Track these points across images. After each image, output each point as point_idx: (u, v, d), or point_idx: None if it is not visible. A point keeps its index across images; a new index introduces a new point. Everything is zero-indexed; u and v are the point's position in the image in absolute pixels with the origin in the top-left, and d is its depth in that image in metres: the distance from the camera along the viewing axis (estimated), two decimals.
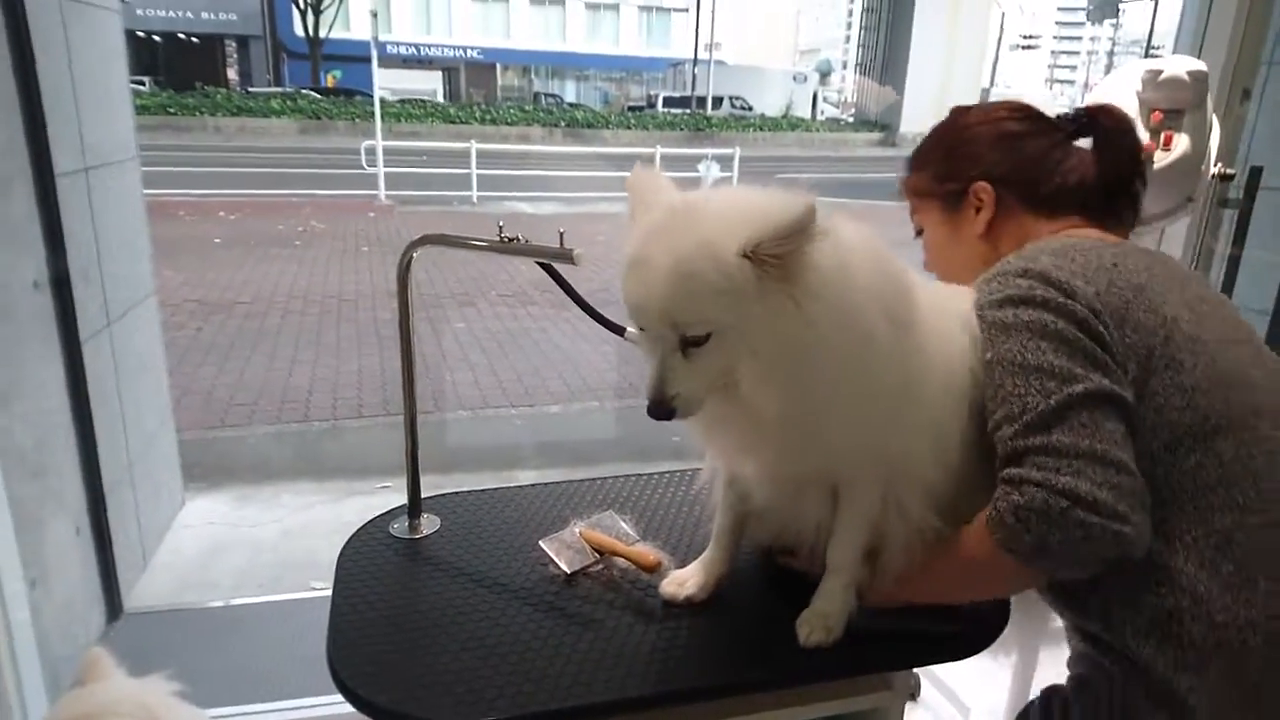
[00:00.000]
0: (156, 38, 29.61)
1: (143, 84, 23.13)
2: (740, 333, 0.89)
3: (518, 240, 1.11)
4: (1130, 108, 1.53)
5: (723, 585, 1.17)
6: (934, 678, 2.30)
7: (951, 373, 1.04)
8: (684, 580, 1.16)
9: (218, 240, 8.61)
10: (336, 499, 3.50)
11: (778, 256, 0.85)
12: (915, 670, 2.40)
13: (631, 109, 29.13)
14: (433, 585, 1.18)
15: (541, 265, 1.13)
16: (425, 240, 1.17)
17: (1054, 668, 1.21)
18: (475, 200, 11.75)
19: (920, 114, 23.48)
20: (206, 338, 5.56)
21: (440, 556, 1.25)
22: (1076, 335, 0.96)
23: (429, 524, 1.32)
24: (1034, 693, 2.13)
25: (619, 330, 1.23)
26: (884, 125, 24.63)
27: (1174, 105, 1.50)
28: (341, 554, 1.25)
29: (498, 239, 1.11)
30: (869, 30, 25.16)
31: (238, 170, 13.81)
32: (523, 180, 13.35)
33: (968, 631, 1.13)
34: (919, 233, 1.31)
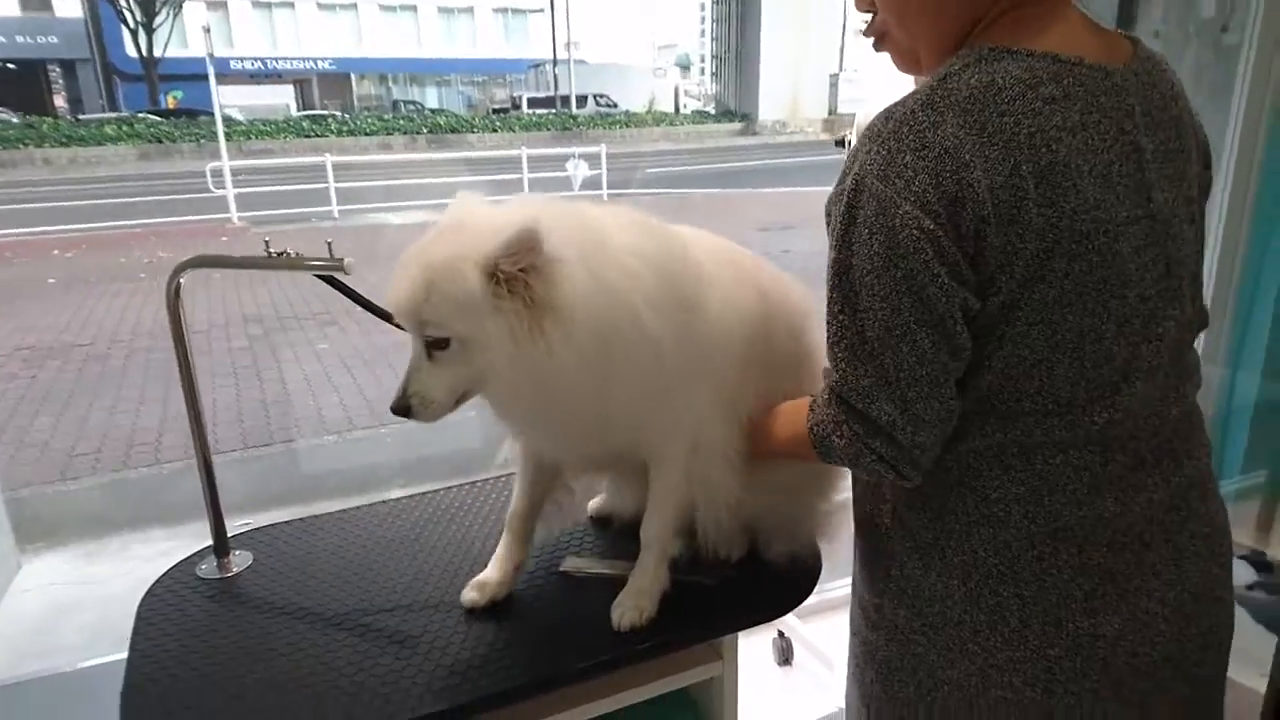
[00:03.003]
0: None
1: None
2: (478, 347, 0.93)
3: (286, 254, 1.08)
4: None
5: (522, 572, 1.19)
6: (805, 641, 2.39)
7: (749, 335, 1.10)
8: (483, 583, 1.16)
9: (52, 280, 7.99)
10: (193, 543, 3.29)
11: (514, 276, 0.91)
12: (788, 637, 2.49)
13: (496, 111, 28.75)
14: (242, 625, 1.13)
15: (321, 277, 1.10)
16: (192, 263, 1.13)
17: None
18: (337, 214, 11.33)
19: (777, 102, 24.21)
20: (42, 386, 5.16)
21: (251, 594, 1.20)
22: (930, 268, 0.80)
23: (240, 561, 1.28)
24: None
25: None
26: (744, 115, 25.24)
27: None
28: (141, 605, 1.18)
29: (266, 254, 1.08)
30: (720, 22, 25.68)
31: (72, 204, 12.84)
32: (387, 191, 12.98)
33: (776, 592, 1.19)
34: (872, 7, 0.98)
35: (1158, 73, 0.90)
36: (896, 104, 0.84)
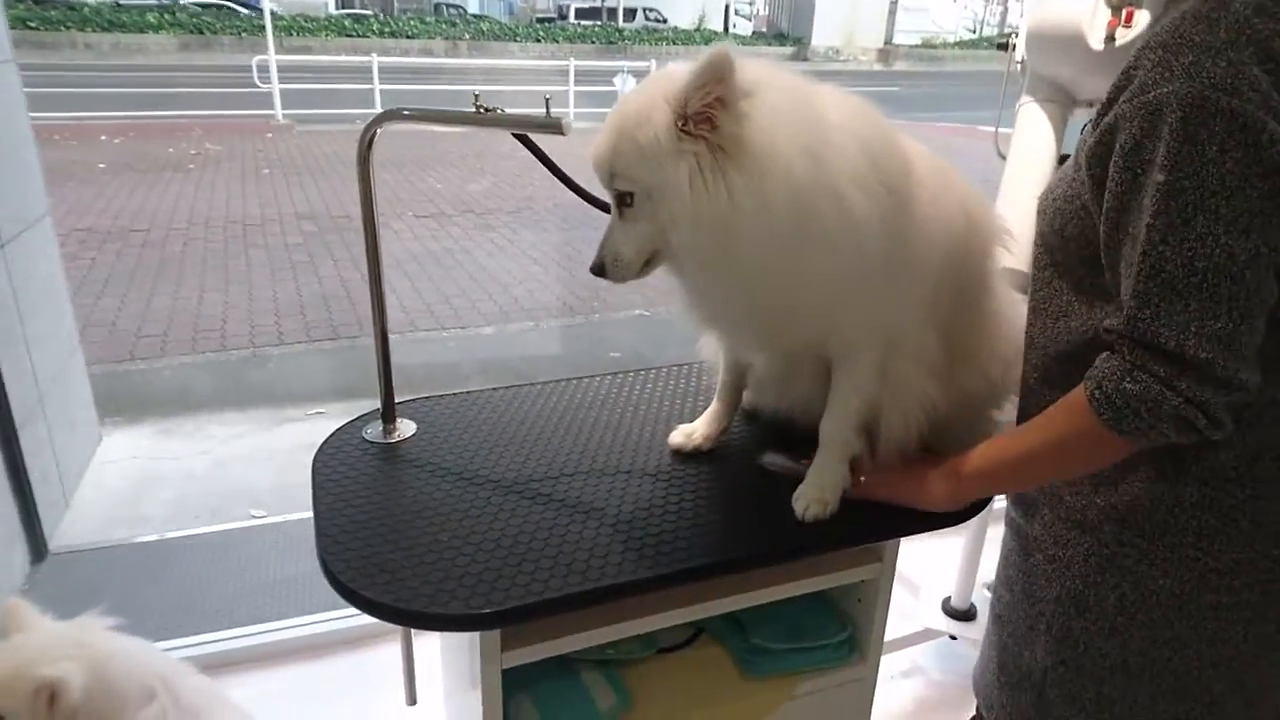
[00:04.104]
0: None
1: None
2: (659, 197, 0.90)
3: (496, 111, 1.03)
4: None
5: (726, 436, 1.24)
6: None
7: (950, 246, 1.05)
8: (691, 431, 1.23)
9: (102, 165, 7.97)
10: (267, 427, 3.36)
11: (701, 114, 0.85)
12: None
13: (540, 21, 28.04)
14: (418, 485, 1.13)
15: (518, 138, 1.05)
16: (389, 115, 1.07)
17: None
18: None
19: (832, 27, 23.39)
20: (102, 269, 5.19)
21: (422, 458, 1.19)
22: None
23: (405, 428, 1.26)
24: (981, 570, 2.23)
25: (604, 206, 1.18)
26: (796, 39, 24.41)
27: None
28: (316, 459, 1.18)
29: (474, 110, 1.03)
30: None
31: (115, 90, 12.74)
32: (430, 96, 12.73)
33: None
34: None
35: None
36: (1213, 7, 0.78)
